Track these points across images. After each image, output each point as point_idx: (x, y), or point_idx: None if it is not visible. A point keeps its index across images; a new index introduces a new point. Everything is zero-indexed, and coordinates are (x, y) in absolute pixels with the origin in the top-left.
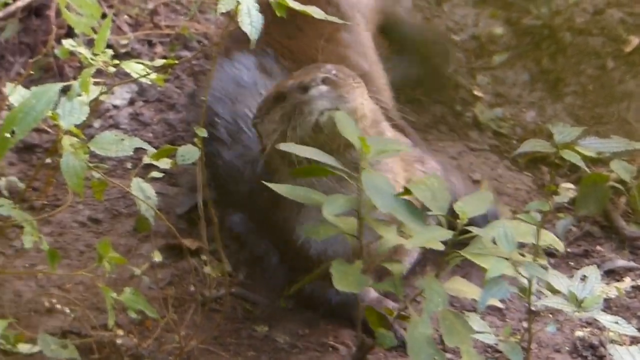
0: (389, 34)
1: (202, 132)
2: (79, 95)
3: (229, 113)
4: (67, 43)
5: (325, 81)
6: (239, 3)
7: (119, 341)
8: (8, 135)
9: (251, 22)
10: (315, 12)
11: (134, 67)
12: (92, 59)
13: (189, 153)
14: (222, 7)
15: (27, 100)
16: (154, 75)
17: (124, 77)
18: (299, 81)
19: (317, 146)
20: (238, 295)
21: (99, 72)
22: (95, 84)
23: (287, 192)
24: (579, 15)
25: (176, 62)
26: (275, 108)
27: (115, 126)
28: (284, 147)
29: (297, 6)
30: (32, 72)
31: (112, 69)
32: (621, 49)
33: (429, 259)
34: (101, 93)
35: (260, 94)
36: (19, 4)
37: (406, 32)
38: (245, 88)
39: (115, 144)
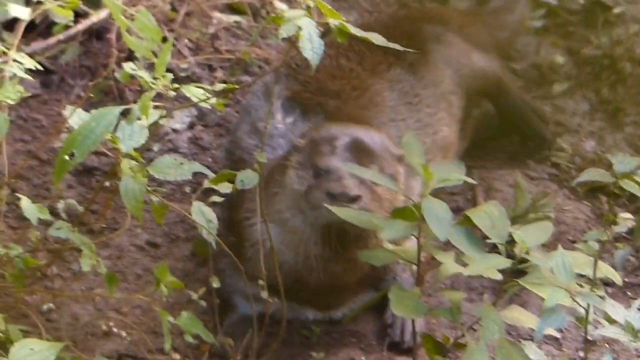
0: (495, 102)
1: (262, 158)
2: (139, 118)
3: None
4: (128, 66)
5: (354, 199)
6: (300, 29)
7: None
8: (67, 157)
9: (312, 47)
10: (376, 38)
11: (194, 92)
12: (152, 83)
13: (248, 178)
14: (284, 33)
15: (87, 123)
16: (214, 100)
17: (183, 100)
18: (329, 188)
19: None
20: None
21: (159, 96)
22: (155, 107)
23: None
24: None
25: (236, 87)
26: (308, 174)
27: (175, 150)
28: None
29: (359, 33)
30: (92, 95)
31: (172, 93)
32: None
33: (487, 287)
34: (161, 117)
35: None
36: (80, 26)
37: (510, 102)
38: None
39: (174, 168)
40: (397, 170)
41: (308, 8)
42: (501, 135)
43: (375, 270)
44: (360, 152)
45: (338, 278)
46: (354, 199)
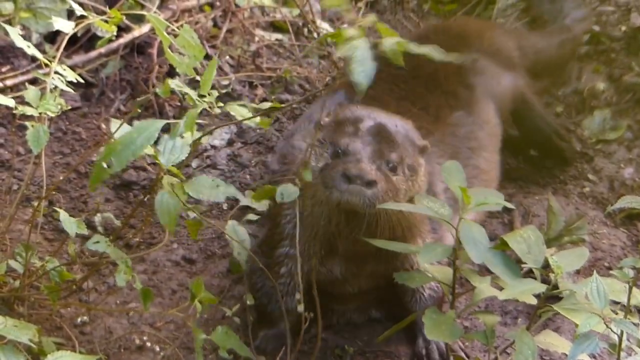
0: (518, 118)
1: (308, 176)
2: (182, 135)
3: None
4: (174, 83)
5: (369, 184)
6: (356, 48)
7: None
8: (105, 165)
9: (364, 71)
10: (436, 52)
11: (239, 110)
12: (198, 100)
13: (288, 192)
14: (340, 52)
15: (128, 134)
16: (258, 119)
17: (224, 117)
18: (345, 169)
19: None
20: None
21: (200, 112)
22: (197, 124)
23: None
24: None
25: (281, 106)
26: (327, 152)
27: (213, 166)
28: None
29: (418, 50)
30: (138, 110)
31: (217, 111)
32: None
33: (521, 312)
34: (204, 134)
35: None
36: (122, 40)
37: (535, 120)
38: None
39: (210, 189)
40: (418, 161)
41: (362, 29)
42: (521, 153)
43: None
44: (382, 138)
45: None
46: (369, 183)
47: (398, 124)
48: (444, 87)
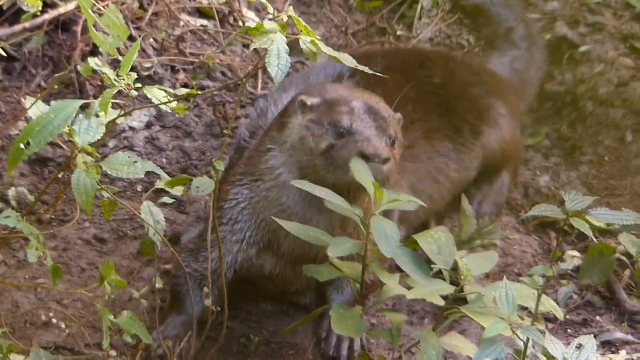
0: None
1: (220, 166)
2: (98, 115)
3: None
4: (93, 62)
5: (385, 161)
6: (272, 43)
7: None
8: (23, 146)
9: (279, 64)
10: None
11: (156, 94)
12: (115, 81)
13: (204, 185)
14: (257, 44)
15: (46, 114)
16: (175, 104)
17: (144, 100)
18: (362, 148)
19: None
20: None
21: (120, 93)
22: (115, 105)
23: (296, 230)
24: (603, 86)
25: (199, 92)
26: (327, 133)
27: (130, 148)
28: (297, 184)
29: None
30: (56, 86)
31: (134, 93)
32: None
33: (429, 312)
34: (119, 116)
35: None
36: (47, 16)
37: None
38: None
39: (127, 166)
40: (399, 132)
41: (283, 22)
42: None
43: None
44: (376, 115)
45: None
46: (385, 160)
47: (379, 101)
48: (449, 117)
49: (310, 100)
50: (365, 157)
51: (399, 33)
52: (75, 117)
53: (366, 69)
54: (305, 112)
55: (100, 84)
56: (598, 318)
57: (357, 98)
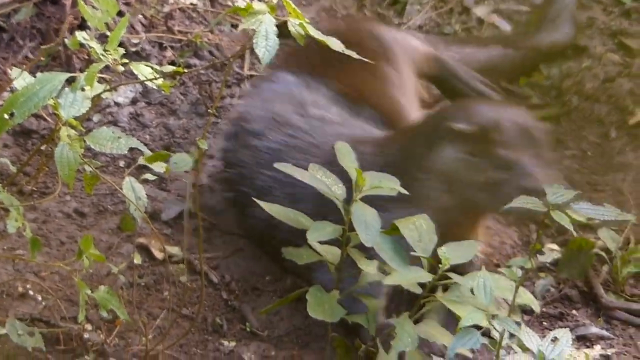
0: (440, 84)
1: (203, 145)
2: (83, 88)
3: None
4: (80, 35)
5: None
6: (260, 24)
7: (86, 335)
8: (6, 117)
9: (266, 45)
10: (335, 44)
11: (142, 70)
12: (102, 55)
13: (182, 161)
14: (246, 25)
15: (31, 86)
16: (160, 81)
17: (130, 75)
18: (525, 184)
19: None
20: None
21: (106, 68)
22: (101, 79)
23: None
24: (589, 81)
25: (185, 70)
26: (485, 165)
27: (114, 123)
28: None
29: (318, 35)
30: (42, 58)
31: (120, 68)
32: (625, 120)
33: (405, 300)
34: (105, 90)
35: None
36: None
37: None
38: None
39: (111, 141)
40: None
41: (272, 4)
42: None
43: None
44: (532, 139)
45: None
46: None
47: (529, 117)
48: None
49: (460, 127)
50: (527, 191)
51: (389, 19)
52: (61, 90)
53: (353, 54)
54: (456, 141)
55: (87, 57)
56: (574, 312)
57: (510, 121)
